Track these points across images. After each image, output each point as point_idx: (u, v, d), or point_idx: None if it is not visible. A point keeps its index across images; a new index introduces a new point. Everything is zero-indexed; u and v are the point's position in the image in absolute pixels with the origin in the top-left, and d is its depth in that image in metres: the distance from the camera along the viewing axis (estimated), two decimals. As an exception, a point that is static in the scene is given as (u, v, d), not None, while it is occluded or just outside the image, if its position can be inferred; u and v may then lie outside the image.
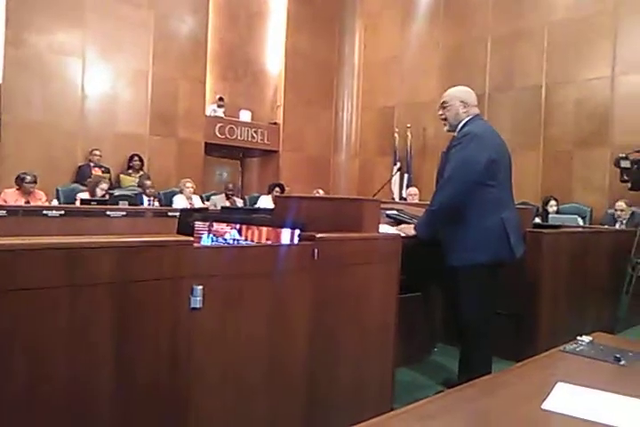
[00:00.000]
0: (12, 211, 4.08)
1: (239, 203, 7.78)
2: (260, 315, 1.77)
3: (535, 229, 3.55)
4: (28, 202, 5.61)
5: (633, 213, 5.79)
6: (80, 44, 7.13)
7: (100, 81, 7.37)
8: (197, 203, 6.97)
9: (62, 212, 4.19)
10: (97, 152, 7.09)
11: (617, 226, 5.87)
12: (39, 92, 6.80)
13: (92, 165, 7.03)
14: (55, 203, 5.86)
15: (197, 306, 1.54)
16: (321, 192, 8.01)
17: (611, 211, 6.25)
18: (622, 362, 1.33)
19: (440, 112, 2.72)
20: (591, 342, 1.51)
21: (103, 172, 7.02)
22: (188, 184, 6.91)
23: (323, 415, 2.00)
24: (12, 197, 5.64)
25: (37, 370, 1.27)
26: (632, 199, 5.72)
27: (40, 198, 5.84)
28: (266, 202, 7.36)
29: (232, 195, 7.78)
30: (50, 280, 1.27)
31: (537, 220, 5.83)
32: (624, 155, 4.40)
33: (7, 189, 5.78)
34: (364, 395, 2.21)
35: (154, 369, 1.48)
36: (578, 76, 7.16)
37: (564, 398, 1.06)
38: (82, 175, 6.82)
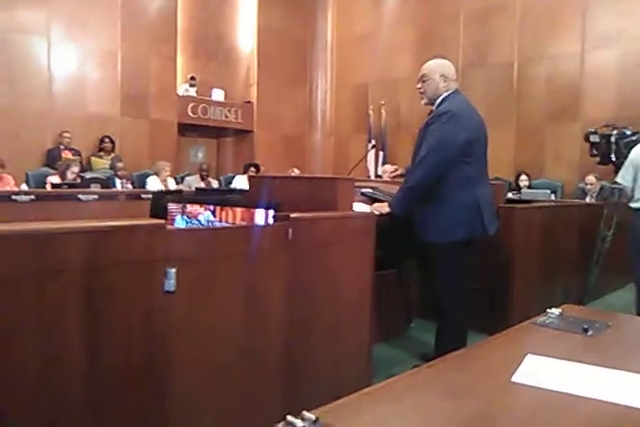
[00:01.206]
0: (-20, 197, 3.97)
1: (214, 183, 7.71)
2: (235, 296, 1.77)
3: (508, 204, 3.60)
4: (-4, 187, 5.48)
5: (602, 187, 5.90)
6: (44, 22, 6.88)
7: (67, 61, 7.15)
8: (171, 184, 6.88)
9: (32, 197, 4.09)
10: (67, 134, 6.93)
11: (587, 200, 5.98)
12: (3, 74, 6.57)
13: (61, 147, 6.88)
14: (25, 187, 5.73)
15: (171, 289, 1.53)
16: (297, 171, 7.97)
17: (581, 185, 6.36)
18: (589, 332, 1.37)
19: (419, 85, 2.66)
20: (561, 314, 1.54)
21: (73, 154, 6.87)
22: (167, 168, 6.81)
23: (301, 393, 2.02)
24: (-21, 183, 5.50)
25: (6, 359, 1.25)
26: (601, 173, 5.82)
27: (8, 183, 5.70)
28: (241, 182, 7.30)
29: (207, 175, 7.71)
30: (17, 267, 1.24)
31: (510, 195, 5.91)
32: (593, 129, 4.44)
33: (-27, 174, 5.64)
34: (342, 372, 2.24)
35: (128, 354, 1.47)
36: (549, 51, 7.19)
37: (533, 370, 1.09)
38: (51, 159, 6.67)
